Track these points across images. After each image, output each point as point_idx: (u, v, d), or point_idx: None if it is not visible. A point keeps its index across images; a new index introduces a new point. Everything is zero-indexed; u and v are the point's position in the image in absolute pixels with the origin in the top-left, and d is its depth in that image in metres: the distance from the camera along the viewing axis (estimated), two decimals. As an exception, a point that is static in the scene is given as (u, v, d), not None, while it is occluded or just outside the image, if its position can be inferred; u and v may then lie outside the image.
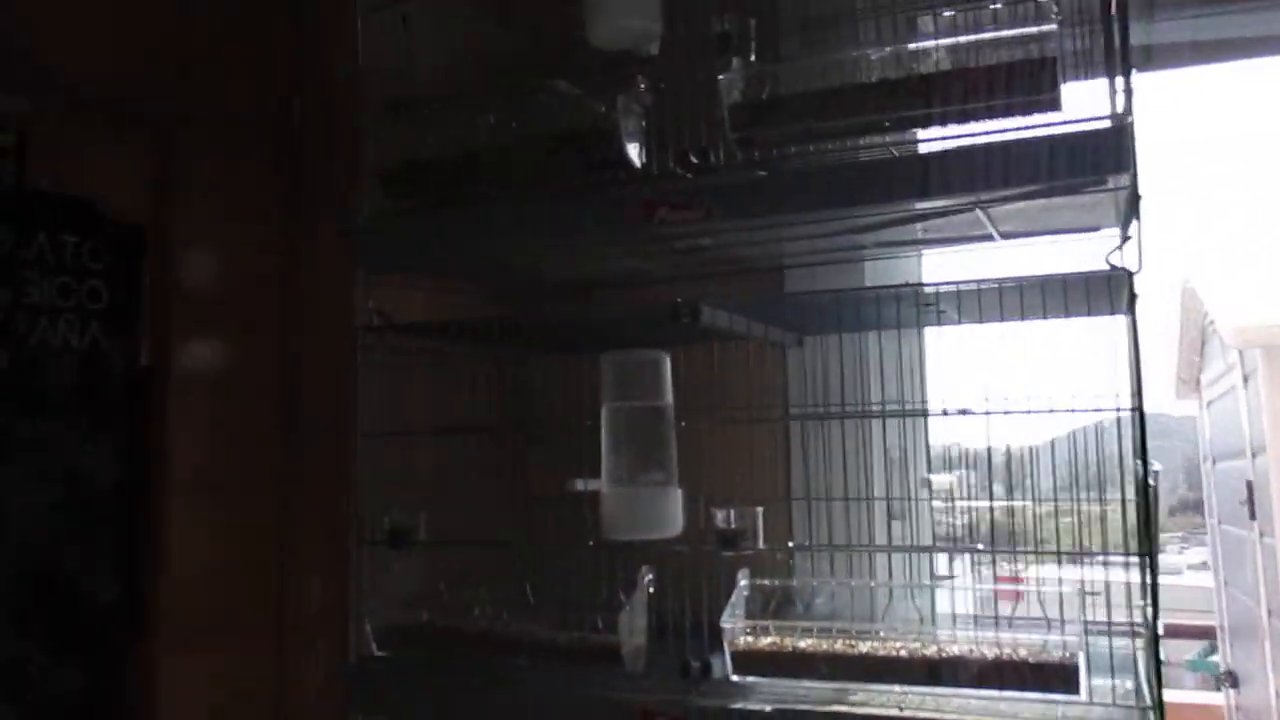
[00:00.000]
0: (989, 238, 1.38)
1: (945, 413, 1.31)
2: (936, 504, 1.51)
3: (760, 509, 1.19)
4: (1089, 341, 1.69)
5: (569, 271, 1.52)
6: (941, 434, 1.64)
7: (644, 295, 1.68)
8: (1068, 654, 1.00)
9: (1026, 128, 1.10)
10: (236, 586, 1.59)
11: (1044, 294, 1.24)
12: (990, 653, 1.02)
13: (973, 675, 1.01)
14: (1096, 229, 1.44)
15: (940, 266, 1.68)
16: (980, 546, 1.13)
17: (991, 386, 1.60)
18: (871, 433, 1.57)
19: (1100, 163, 1.08)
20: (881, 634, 1.09)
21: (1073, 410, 1.30)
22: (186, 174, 1.54)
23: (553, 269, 1.52)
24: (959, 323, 1.37)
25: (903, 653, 1.05)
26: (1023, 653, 1.01)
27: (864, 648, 1.08)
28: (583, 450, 1.28)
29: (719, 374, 1.35)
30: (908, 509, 1.58)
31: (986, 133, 1.12)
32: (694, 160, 1.22)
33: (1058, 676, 0.98)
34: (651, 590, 1.20)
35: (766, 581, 1.20)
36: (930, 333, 1.72)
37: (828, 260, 1.56)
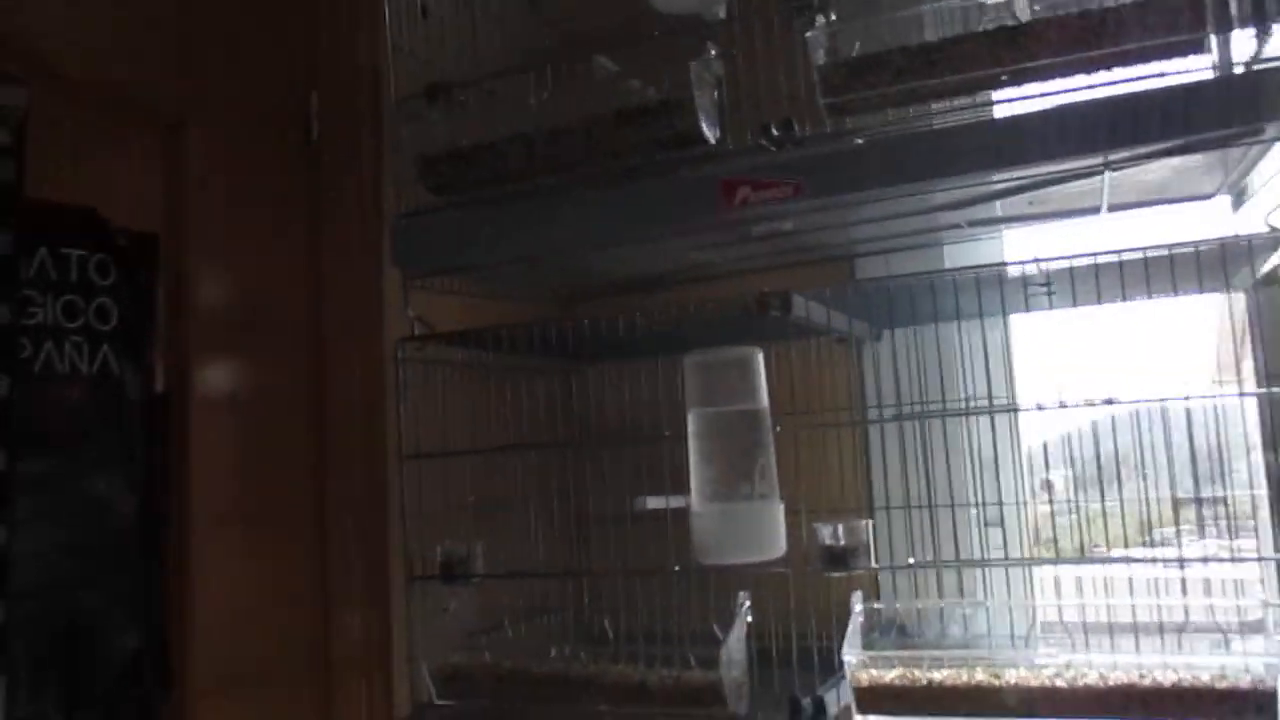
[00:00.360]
0: (1093, 211, 1.25)
1: (1064, 405, 1.17)
2: (1042, 506, 1.37)
3: (870, 523, 1.05)
4: (1185, 321, 1.56)
5: (627, 267, 1.38)
6: (1033, 431, 1.51)
7: (701, 293, 1.54)
8: (1258, 677, 0.86)
9: (1165, 74, 0.97)
10: (272, 629, 1.44)
11: (1173, 267, 1.11)
12: (1165, 678, 0.88)
13: (1148, 707, 0.87)
14: (1210, 196, 1.31)
15: (1014, 249, 1.55)
16: (1161, 553, 0.99)
17: (1087, 376, 1.48)
18: (961, 432, 1.44)
19: (1254, 110, 0.94)
20: (1029, 661, 0.95)
21: (1188, 398, 1.16)
22: (202, 178, 1.40)
23: (605, 266, 1.38)
24: (1073, 304, 1.23)
25: (1059, 683, 0.91)
26: (1205, 678, 0.87)
27: (1011, 678, 0.93)
28: (659, 463, 1.15)
29: (798, 373, 1.21)
30: (1005, 514, 1.45)
31: (1117, 82, 0.99)
32: (776, 132, 1.08)
33: (1251, 704, 0.84)
34: (749, 619, 1.06)
35: (883, 606, 1.06)
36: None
37: (904, 246, 1.43)
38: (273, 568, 1.46)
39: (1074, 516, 1.30)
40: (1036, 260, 1.09)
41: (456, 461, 1.29)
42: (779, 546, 1.02)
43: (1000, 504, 1.39)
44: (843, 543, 1.03)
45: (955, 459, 1.41)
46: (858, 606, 1.02)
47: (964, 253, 1.51)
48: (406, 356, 1.25)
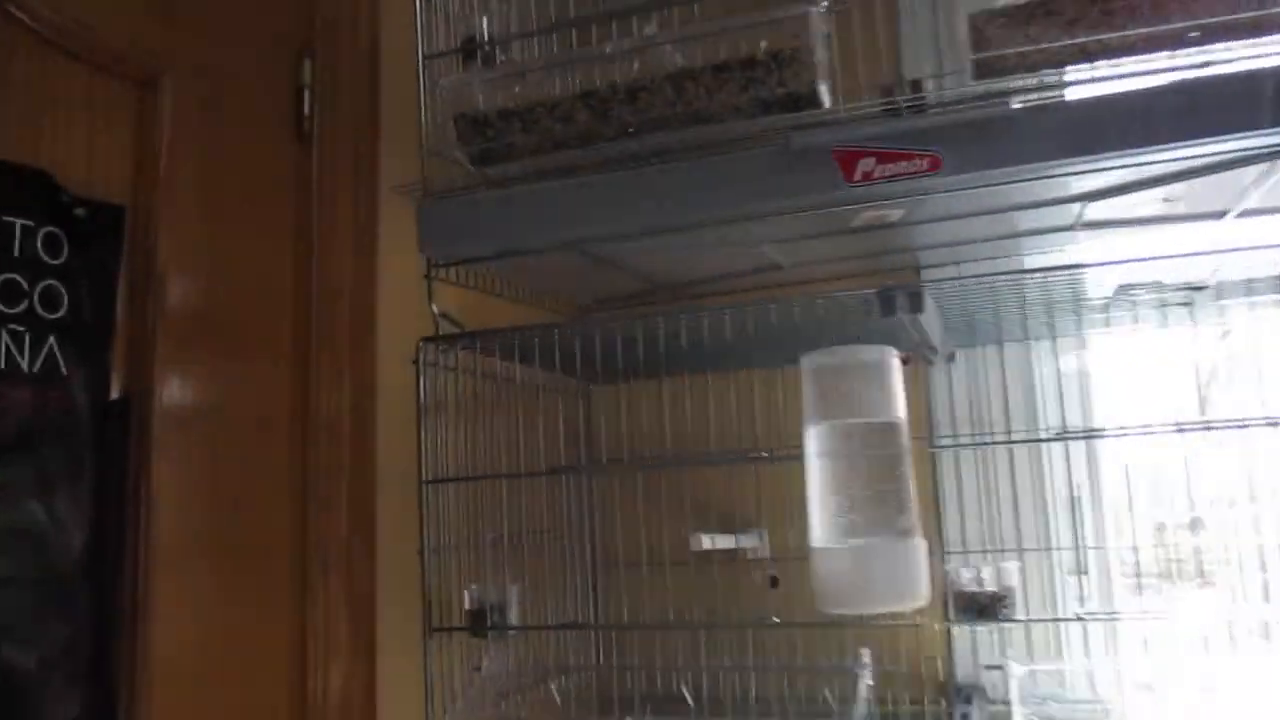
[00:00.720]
0: (1217, 215, 1.10)
1: (1181, 427, 1.01)
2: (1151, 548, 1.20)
3: (1018, 565, 0.87)
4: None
5: (687, 266, 1.19)
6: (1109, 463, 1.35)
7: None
8: None
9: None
10: (242, 688, 1.19)
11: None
12: None
13: None
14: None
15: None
16: None
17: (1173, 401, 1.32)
18: (1045, 464, 1.27)
19: None
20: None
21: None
22: (177, 145, 1.17)
23: (666, 263, 1.18)
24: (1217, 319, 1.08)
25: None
26: None
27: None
28: (712, 493, 0.95)
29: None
30: (1094, 559, 1.28)
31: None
32: (904, 95, 0.91)
33: None
34: (872, 682, 0.87)
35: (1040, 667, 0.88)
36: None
37: (979, 255, 1.27)
38: (244, 614, 1.21)
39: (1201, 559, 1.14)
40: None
41: (482, 489, 1.08)
42: (922, 592, 0.83)
43: (1102, 548, 1.22)
44: (989, 588, 0.84)
45: (1035, 495, 1.24)
46: (1016, 669, 0.84)
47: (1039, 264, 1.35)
48: (431, 360, 1.03)
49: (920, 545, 0.84)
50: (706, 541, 1.10)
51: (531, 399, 1.15)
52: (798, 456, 0.87)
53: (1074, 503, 1.26)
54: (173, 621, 1.12)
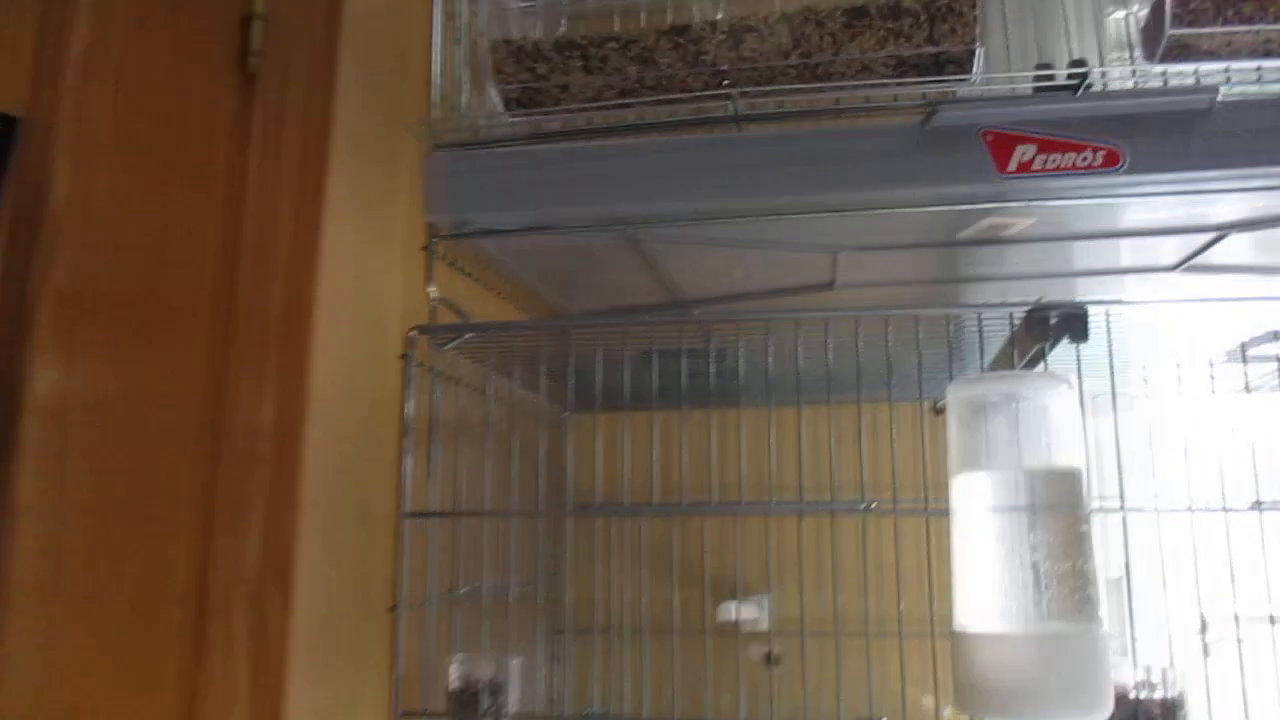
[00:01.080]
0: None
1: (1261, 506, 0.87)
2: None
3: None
4: None
5: (728, 278, 0.98)
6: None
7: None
8: None
9: None
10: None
11: None
12: None
13: None
14: None
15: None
16: None
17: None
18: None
19: None
20: None
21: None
22: (90, 60, 0.90)
23: (704, 274, 0.98)
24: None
25: None
26: None
27: None
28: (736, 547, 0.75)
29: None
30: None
31: None
32: (1069, 74, 0.74)
33: None
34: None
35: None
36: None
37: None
38: (121, 672, 0.92)
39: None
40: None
41: (463, 527, 0.83)
42: (1109, 702, 0.63)
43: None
44: (1169, 695, 0.66)
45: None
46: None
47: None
48: (421, 360, 0.79)
49: (1101, 635, 0.65)
50: (733, 611, 0.89)
51: (529, 421, 0.92)
52: (830, 507, 0.67)
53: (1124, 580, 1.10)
54: (30, 678, 0.83)
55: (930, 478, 1.03)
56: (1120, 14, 0.80)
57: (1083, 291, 1.16)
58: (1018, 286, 1.14)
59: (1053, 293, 1.15)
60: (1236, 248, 0.90)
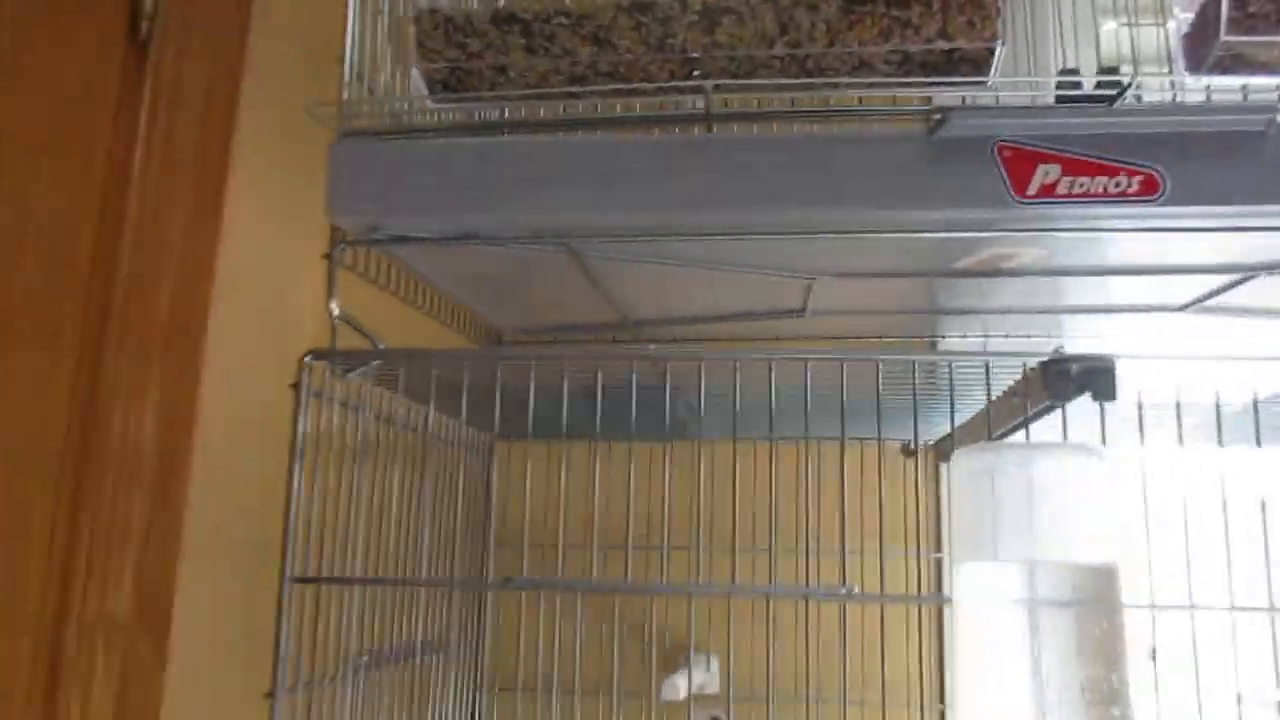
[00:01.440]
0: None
1: None
2: None
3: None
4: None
5: (690, 299, 0.86)
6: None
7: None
8: None
9: None
10: None
11: None
12: None
13: None
14: None
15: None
16: None
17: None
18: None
19: None
20: None
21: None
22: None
23: (663, 294, 0.85)
24: None
25: None
26: None
27: None
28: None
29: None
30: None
31: None
32: (1109, 80, 0.62)
33: None
34: None
35: None
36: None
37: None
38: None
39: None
40: None
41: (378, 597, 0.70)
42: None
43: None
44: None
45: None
46: None
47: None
48: (317, 389, 0.65)
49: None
50: (682, 688, 0.77)
51: (450, 450, 0.79)
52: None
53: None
54: None
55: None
56: (1150, 23, 0.69)
57: (1069, 329, 1.06)
58: (997, 320, 1.04)
59: (1036, 329, 1.05)
60: (1262, 290, 0.80)
